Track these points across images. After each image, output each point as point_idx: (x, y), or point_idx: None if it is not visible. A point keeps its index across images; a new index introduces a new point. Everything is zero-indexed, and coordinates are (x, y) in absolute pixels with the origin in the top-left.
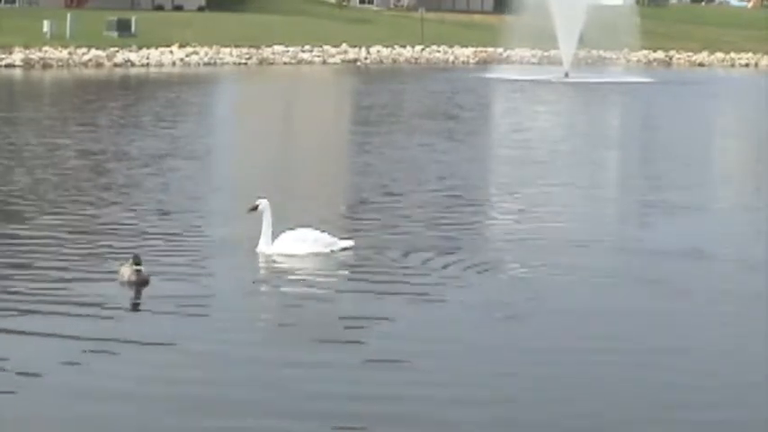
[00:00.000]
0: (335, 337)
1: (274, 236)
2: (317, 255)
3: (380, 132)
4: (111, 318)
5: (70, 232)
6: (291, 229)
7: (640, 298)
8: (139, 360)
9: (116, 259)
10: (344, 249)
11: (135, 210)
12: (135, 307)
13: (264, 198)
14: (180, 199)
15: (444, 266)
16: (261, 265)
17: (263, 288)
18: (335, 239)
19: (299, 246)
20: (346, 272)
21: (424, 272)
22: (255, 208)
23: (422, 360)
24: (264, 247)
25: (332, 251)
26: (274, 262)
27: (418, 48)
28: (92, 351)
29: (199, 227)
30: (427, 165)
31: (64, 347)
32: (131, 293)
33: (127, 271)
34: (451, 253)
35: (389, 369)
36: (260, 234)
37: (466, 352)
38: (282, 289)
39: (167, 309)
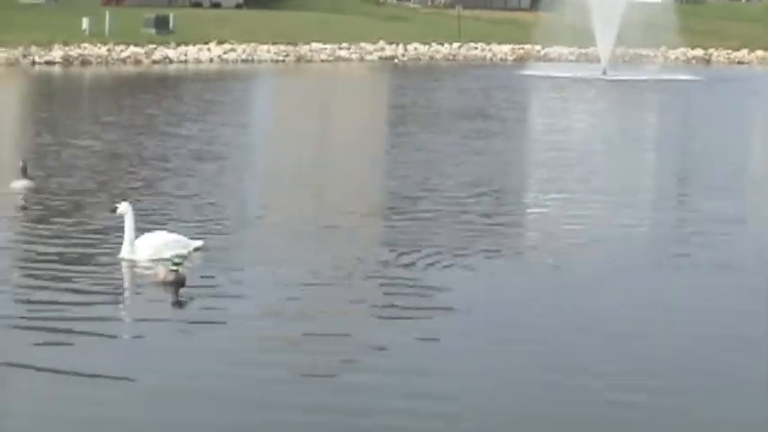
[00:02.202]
0: None
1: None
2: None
3: (414, 131)
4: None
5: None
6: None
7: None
8: None
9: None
10: (197, 249)
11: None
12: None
13: (126, 201)
14: (218, 193)
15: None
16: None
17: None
18: (189, 240)
19: (162, 249)
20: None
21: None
22: (114, 210)
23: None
24: (127, 252)
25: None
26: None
27: (455, 45)
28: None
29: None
30: (460, 164)
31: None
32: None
33: (162, 270)
34: (473, 255)
35: None
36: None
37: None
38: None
39: None
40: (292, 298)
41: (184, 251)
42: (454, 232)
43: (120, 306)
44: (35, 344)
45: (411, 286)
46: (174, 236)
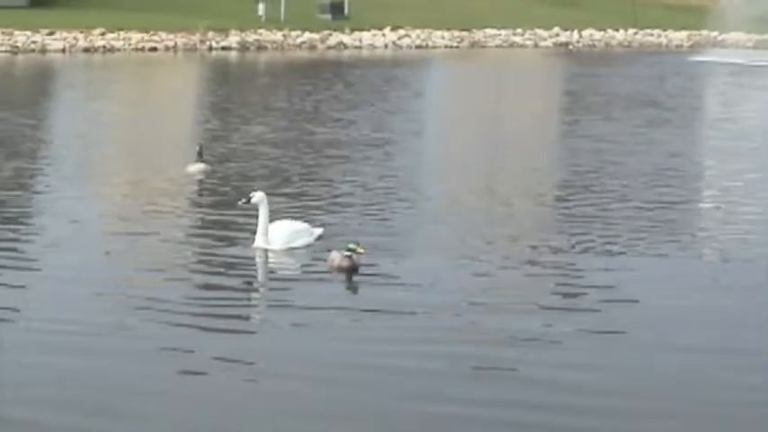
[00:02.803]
0: None
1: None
2: (308, 246)
3: (585, 119)
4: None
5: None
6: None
7: None
8: None
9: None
10: (319, 238)
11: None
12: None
13: (259, 191)
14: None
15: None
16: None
17: None
18: (313, 228)
19: (294, 238)
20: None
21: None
22: (249, 201)
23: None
24: (262, 242)
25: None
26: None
27: (631, 31)
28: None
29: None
30: (630, 153)
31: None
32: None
33: (337, 256)
34: (646, 246)
35: None
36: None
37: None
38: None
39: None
40: (460, 287)
41: (311, 239)
42: (627, 222)
43: (290, 293)
44: (213, 331)
45: (583, 277)
46: (301, 224)
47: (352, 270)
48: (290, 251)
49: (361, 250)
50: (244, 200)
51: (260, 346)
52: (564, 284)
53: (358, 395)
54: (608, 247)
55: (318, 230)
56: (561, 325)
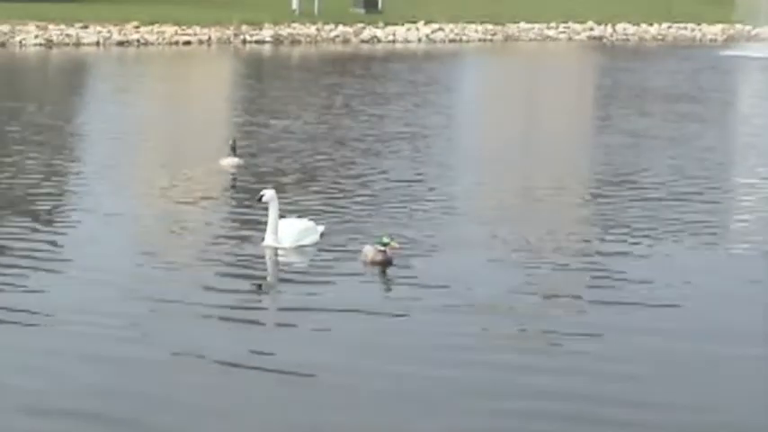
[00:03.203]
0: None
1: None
2: (316, 244)
3: (618, 113)
4: None
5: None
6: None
7: None
8: None
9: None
10: (322, 235)
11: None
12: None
13: (270, 189)
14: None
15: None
16: None
17: None
18: (316, 225)
19: (303, 235)
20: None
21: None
22: (261, 199)
23: None
24: (272, 240)
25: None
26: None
27: (665, 25)
28: None
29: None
30: (662, 148)
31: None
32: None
33: (371, 251)
34: (680, 242)
35: None
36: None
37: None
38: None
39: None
40: (494, 282)
41: (317, 236)
42: (661, 217)
43: (321, 292)
44: (228, 331)
45: (618, 274)
46: (308, 221)
47: (385, 264)
48: (301, 249)
49: (396, 244)
50: (257, 198)
51: (294, 348)
52: (600, 278)
53: (402, 391)
54: (644, 241)
55: (321, 228)
56: (599, 319)
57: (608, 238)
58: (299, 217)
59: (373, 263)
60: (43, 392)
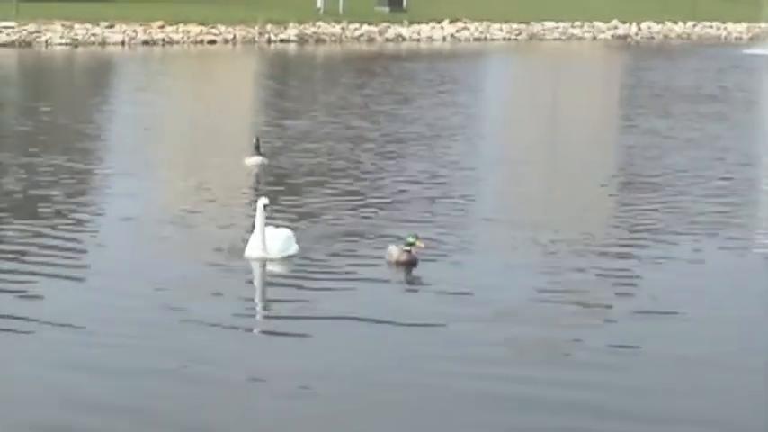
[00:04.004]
0: None
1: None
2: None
3: (642, 113)
4: None
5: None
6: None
7: None
8: None
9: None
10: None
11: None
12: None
13: (265, 198)
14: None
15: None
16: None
17: None
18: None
19: (289, 244)
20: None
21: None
22: (266, 207)
23: None
24: (260, 250)
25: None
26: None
27: (690, 23)
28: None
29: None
30: (682, 149)
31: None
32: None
33: (396, 251)
34: (704, 247)
35: None
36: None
37: None
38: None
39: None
40: (515, 284)
41: (296, 245)
42: (684, 218)
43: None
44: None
45: (644, 280)
46: (287, 230)
47: (411, 264)
48: (289, 259)
49: (421, 244)
50: (261, 205)
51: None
52: (625, 285)
53: (435, 392)
54: (668, 242)
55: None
56: (625, 330)
57: (632, 242)
58: (277, 227)
59: (398, 263)
60: (57, 403)
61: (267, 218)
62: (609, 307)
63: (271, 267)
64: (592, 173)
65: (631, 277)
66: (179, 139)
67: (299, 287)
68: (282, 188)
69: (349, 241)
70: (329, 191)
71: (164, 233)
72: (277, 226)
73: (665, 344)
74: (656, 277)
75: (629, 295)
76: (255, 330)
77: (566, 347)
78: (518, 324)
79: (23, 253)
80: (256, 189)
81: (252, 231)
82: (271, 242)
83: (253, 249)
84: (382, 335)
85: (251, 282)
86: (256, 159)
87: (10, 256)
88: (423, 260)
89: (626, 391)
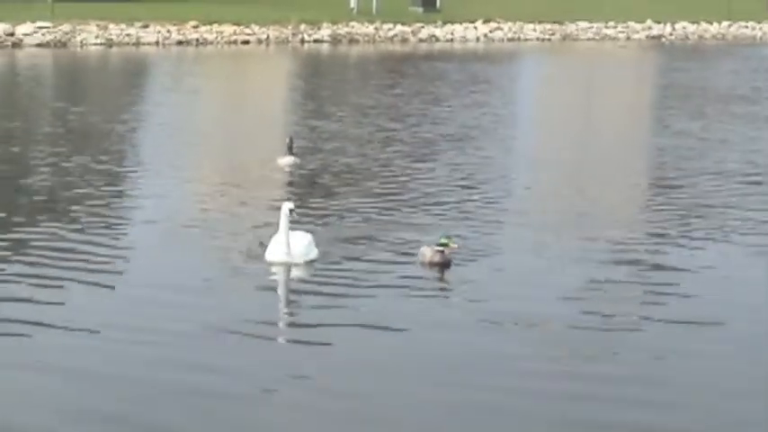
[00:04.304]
0: None
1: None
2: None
3: (675, 115)
4: None
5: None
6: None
7: None
8: None
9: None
10: None
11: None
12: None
13: (290, 202)
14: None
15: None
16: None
17: None
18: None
19: (310, 248)
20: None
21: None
22: (291, 212)
23: None
24: (284, 254)
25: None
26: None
27: (725, 24)
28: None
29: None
30: (718, 151)
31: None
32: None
33: (428, 252)
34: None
35: None
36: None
37: None
38: None
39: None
40: (549, 282)
41: (316, 249)
42: (718, 219)
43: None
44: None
45: (676, 287)
46: (308, 235)
47: (444, 265)
48: (312, 263)
49: (454, 245)
50: (287, 209)
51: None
52: (657, 293)
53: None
54: (701, 246)
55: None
56: (656, 339)
57: (664, 245)
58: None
59: (431, 263)
60: (71, 411)
61: (291, 221)
62: (643, 314)
63: (296, 272)
64: (624, 174)
65: (665, 283)
66: (212, 140)
67: (322, 293)
68: (312, 189)
69: (378, 243)
70: (358, 191)
71: (191, 235)
72: (299, 230)
73: (701, 353)
74: (689, 282)
75: (662, 303)
76: (279, 338)
77: (599, 356)
78: (550, 332)
79: (46, 256)
80: (289, 190)
81: (274, 234)
82: (294, 246)
83: (276, 253)
84: (407, 342)
85: (274, 286)
86: (289, 159)
87: (33, 258)
88: (460, 263)
89: (662, 403)
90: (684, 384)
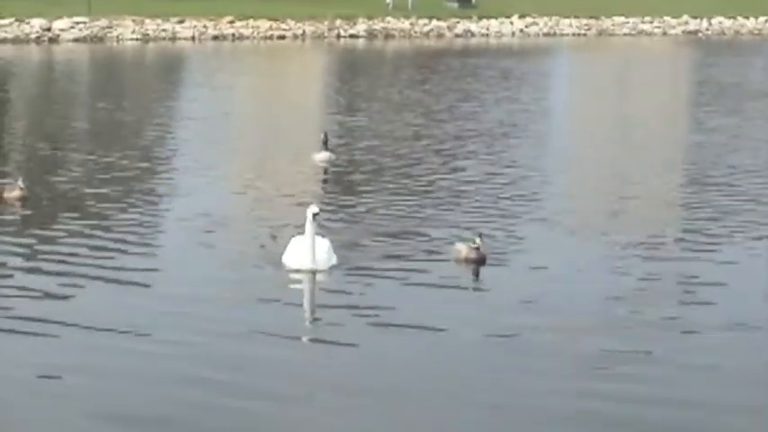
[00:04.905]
0: None
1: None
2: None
3: (709, 112)
4: None
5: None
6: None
7: None
8: None
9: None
10: None
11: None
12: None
13: (314, 206)
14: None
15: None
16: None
17: None
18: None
19: (331, 254)
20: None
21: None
22: (316, 215)
23: None
24: (310, 262)
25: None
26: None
27: (762, 19)
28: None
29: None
30: (752, 149)
31: None
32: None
33: (464, 248)
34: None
35: None
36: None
37: None
38: None
39: None
40: (578, 299)
41: (335, 256)
42: (753, 226)
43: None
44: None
45: (710, 288)
46: (326, 240)
47: (479, 262)
48: (331, 269)
49: (478, 241)
50: (312, 213)
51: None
52: (691, 294)
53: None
54: (739, 246)
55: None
56: (691, 343)
57: (700, 246)
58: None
59: (467, 260)
60: (97, 413)
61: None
62: (680, 315)
63: (320, 276)
64: (658, 172)
65: (702, 284)
66: (247, 135)
67: (353, 293)
68: (347, 186)
69: (411, 241)
70: (392, 189)
71: (224, 234)
72: (320, 232)
73: (742, 359)
74: (728, 285)
75: (700, 304)
76: (304, 339)
77: (634, 361)
78: (584, 334)
79: (72, 254)
80: (324, 187)
81: (293, 238)
82: (320, 253)
83: (302, 261)
84: (437, 344)
85: (300, 291)
86: (324, 155)
87: (58, 256)
88: (489, 263)
89: (699, 408)
90: (723, 388)
